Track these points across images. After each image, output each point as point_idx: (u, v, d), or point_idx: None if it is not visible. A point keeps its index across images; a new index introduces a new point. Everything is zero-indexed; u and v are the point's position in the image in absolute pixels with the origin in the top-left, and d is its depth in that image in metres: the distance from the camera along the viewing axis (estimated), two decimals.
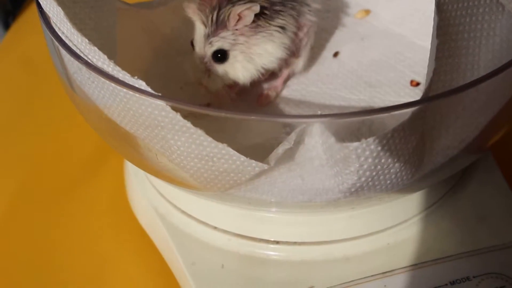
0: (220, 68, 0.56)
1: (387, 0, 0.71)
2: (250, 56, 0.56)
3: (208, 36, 0.55)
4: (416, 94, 0.59)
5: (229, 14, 0.54)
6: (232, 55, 0.56)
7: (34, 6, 0.90)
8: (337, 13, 0.72)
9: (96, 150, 0.69)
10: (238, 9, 0.54)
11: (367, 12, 0.71)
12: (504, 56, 0.45)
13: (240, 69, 0.57)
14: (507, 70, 0.41)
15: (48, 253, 0.60)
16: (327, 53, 0.66)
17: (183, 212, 0.54)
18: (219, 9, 0.55)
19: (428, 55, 0.44)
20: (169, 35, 0.67)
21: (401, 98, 0.59)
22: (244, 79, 0.57)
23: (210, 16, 0.55)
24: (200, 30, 0.56)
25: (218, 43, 0.55)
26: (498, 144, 0.53)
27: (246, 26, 0.55)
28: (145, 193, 0.58)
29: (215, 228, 0.53)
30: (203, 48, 0.55)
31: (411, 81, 0.61)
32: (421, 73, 0.61)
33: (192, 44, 0.57)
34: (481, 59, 0.46)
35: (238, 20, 0.55)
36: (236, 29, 0.55)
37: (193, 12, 0.56)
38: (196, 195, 0.51)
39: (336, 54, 0.66)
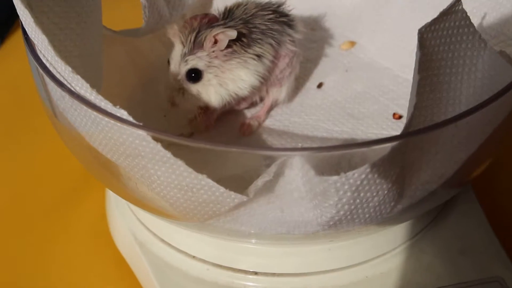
0: (193, 88, 0.57)
1: (372, 33, 0.72)
2: (223, 80, 0.57)
3: (184, 55, 0.56)
4: (398, 127, 0.59)
5: (206, 36, 0.55)
6: (206, 77, 0.56)
7: (20, 32, 0.91)
8: (323, 44, 0.72)
9: (78, 176, 0.69)
10: (214, 31, 0.55)
11: (352, 43, 0.72)
12: (485, 92, 0.46)
13: (212, 92, 0.57)
14: (487, 107, 0.41)
15: (26, 279, 0.59)
16: (311, 84, 0.67)
17: (162, 240, 0.54)
18: (199, 31, 0.56)
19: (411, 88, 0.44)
20: (154, 63, 0.67)
21: (383, 130, 0.59)
22: (215, 103, 0.58)
23: (189, 36, 0.56)
24: (178, 49, 0.57)
25: (193, 62, 0.56)
26: (477, 178, 0.54)
27: (221, 50, 0.56)
28: (125, 221, 0.58)
29: (193, 257, 0.53)
30: (178, 66, 0.56)
31: (394, 114, 0.61)
32: (404, 106, 0.61)
33: (168, 62, 0.57)
34: (463, 95, 0.46)
35: (214, 43, 0.55)
36: (213, 52, 0.56)
37: (174, 34, 0.57)
38: (175, 225, 0.51)
39: (320, 85, 0.66)
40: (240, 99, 0.60)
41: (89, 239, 0.62)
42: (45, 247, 0.62)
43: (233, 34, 0.55)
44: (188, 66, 0.56)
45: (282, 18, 0.61)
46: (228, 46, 0.56)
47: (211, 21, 0.57)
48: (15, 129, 0.77)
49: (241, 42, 0.57)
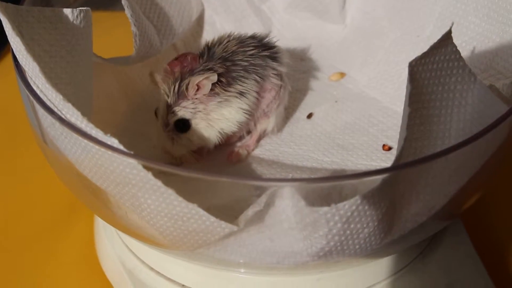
0: (183, 137, 0.57)
1: (362, 64, 0.72)
2: (210, 121, 0.57)
3: (170, 106, 0.56)
4: (388, 159, 0.59)
5: (188, 84, 0.56)
6: (194, 123, 0.57)
7: (9, 57, 0.91)
8: (312, 74, 0.73)
9: (67, 202, 0.68)
10: (196, 79, 0.55)
11: (342, 75, 0.72)
12: (475, 126, 0.46)
13: (202, 135, 0.58)
14: (477, 141, 0.41)
15: None
16: (301, 114, 0.67)
17: (151, 268, 0.54)
18: (181, 80, 0.56)
19: (401, 119, 0.44)
20: (144, 91, 0.68)
21: (373, 162, 0.59)
22: (207, 144, 0.58)
23: (172, 87, 0.56)
24: (163, 101, 0.57)
25: (180, 113, 0.56)
26: (467, 211, 0.54)
27: (204, 94, 0.56)
28: (113, 247, 0.57)
29: (182, 286, 0.53)
30: (166, 117, 0.56)
31: (384, 145, 0.61)
32: (394, 137, 0.62)
33: (155, 114, 0.58)
34: (452, 128, 0.47)
35: (197, 90, 0.56)
36: (196, 98, 0.56)
37: (158, 83, 0.58)
38: (164, 253, 0.51)
39: (310, 116, 0.66)
40: (230, 135, 0.60)
41: (78, 265, 0.62)
42: (33, 273, 0.62)
43: (214, 78, 0.56)
44: (176, 118, 0.56)
45: (265, 52, 0.61)
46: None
47: (191, 64, 0.57)
48: (3, 154, 0.77)
49: (220, 82, 0.57)
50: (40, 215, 0.68)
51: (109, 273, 0.59)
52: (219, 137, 0.58)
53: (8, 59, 0.92)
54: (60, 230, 0.66)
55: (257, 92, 0.59)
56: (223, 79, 0.57)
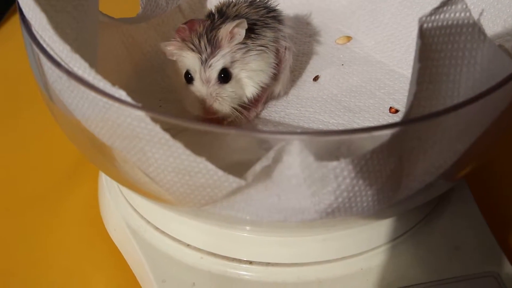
0: (227, 88, 0.56)
1: (368, 28, 0.72)
2: (248, 72, 0.57)
3: (206, 60, 0.55)
4: (394, 121, 0.59)
5: (220, 33, 0.55)
6: (234, 73, 0.56)
7: (13, 20, 0.90)
8: (318, 38, 0.72)
9: (71, 163, 0.68)
10: (229, 27, 0.54)
11: (349, 38, 0.72)
12: (484, 85, 0.45)
13: (245, 85, 0.57)
14: (485, 97, 0.41)
15: (17, 266, 0.59)
16: (307, 77, 0.67)
17: (156, 228, 0.54)
18: (208, 32, 0.55)
19: (408, 83, 0.44)
20: (149, 52, 0.67)
21: (379, 124, 0.59)
22: (249, 95, 0.58)
23: (201, 41, 0.55)
24: (193, 59, 0.55)
25: (219, 62, 0.55)
26: (473, 175, 0.54)
27: (236, 44, 0.55)
28: (118, 208, 0.57)
29: (188, 245, 0.52)
30: (205, 73, 0.55)
31: (390, 108, 0.61)
32: (400, 100, 0.62)
33: (186, 78, 0.56)
34: (461, 87, 0.46)
35: (231, 38, 0.55)
36: (230, 48, 0.55)
37: (176, 46, 0.56)
38: (170, 211, 0.51)
39: (316, 78, 0.66)
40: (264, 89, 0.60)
41: (82, 226, 0.62)
42: (37, 234, 0.62)
43: (245, 25, 0.55)
44: (217, 68, 0.55)
45: (272, 13, 0.61)
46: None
47: (206, 23, 0.56)
48: (7, 116, 0.77)
49: (248, 35, 0.56)
50: (45, 177, 0.68)
51: (113, 233, 0.59)
52: (259, 90, 0.58)
53: (8, 26, 0.92)
54: (64, 190, 0.66)
55: (275, 49, 0.59)
56: (250, 34, 0.57)
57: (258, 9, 0.60)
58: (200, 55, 0.55)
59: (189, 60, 0.56)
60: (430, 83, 0.45)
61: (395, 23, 0.69)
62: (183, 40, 0.56)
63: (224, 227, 0.50)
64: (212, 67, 0.55)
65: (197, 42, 0.55)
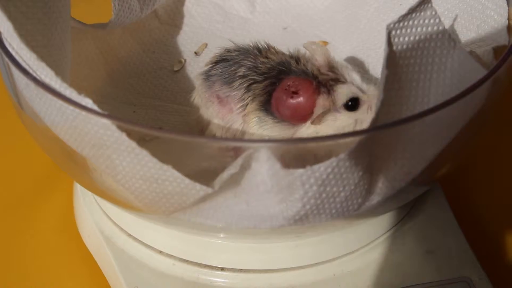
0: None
1: (345, 33, 0.72)
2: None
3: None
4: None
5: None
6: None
7: None
8: (294, 43, 0.72)
9: (46, 171, 0.68)
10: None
11: (325, 43, 0.72)
12: (454, 91, 0.45)
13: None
14: (454, 103, 0.41)
15: None
16: None
17: (129, 235, 0.54)
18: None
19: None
20: (124, 57, 0.67)
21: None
22: None
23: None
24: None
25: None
26: (447, 179, 0.54)
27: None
28: (91, 214, 0.57)
29: (160, 252, 0.52)
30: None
31: None
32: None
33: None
34: (431, 93, 0.46)
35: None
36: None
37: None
38: (142, 218, 0.51)
39: None
40: None
41: (56, 234, 0.62)
42: (11, 240, 0.62)
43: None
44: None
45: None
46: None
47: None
48: None
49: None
50: (19, 184, 0.68)
51: (87, 240, 0.59)
52: None
53: None
54: (39, 198, 0.66)
55: None
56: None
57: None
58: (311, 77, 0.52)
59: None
60: (399, 89, 0.45)
61: (371, 28, 0.69)
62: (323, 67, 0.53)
63: (196, 233, 0.50)
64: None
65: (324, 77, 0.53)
